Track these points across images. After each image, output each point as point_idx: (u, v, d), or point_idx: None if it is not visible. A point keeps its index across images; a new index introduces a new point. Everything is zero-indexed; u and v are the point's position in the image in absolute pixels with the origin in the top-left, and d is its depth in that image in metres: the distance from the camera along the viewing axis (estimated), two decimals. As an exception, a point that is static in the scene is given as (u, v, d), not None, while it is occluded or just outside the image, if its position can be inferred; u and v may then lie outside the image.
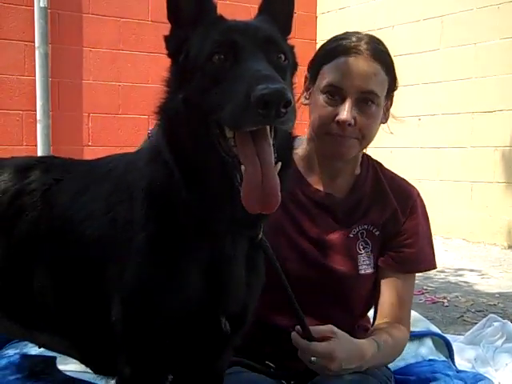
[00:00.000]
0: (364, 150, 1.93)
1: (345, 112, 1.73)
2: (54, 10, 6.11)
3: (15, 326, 1.60)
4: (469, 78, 6.22)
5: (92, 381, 2.01)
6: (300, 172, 1.90)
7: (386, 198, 1.90)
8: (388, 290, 1.90)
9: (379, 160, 1.98)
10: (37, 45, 5.91)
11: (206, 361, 1.51)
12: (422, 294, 4.13)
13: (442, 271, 4.80)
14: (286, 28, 1.46)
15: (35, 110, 6.02)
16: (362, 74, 1.74)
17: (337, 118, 1.74)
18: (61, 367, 2.12)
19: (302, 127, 1.88)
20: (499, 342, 2.81)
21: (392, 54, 1.85)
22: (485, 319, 2.97)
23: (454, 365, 2.56)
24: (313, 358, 1.63)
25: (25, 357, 2.17)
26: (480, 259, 5.41)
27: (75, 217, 1.47)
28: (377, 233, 1.89)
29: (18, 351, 2.20)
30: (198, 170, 1.32)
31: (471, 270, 4.94)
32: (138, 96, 6.59)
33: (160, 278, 1.35)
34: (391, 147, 6.86)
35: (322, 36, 7.48)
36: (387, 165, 2.00)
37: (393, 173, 1.99)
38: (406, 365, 2.40)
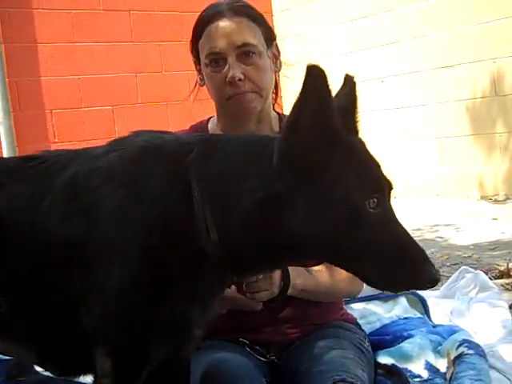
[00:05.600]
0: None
1: (231, 70, 1.81)
2: (3, 8, 6.00)
3: None
4: (425, 36, 6.23)
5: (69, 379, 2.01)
6: None
7: None
8: None
9: None
10: (-11, 46, 5.82)
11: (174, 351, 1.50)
12: (399, 254, 4.18)
13: (418, 229, 4.85)
14: None
15: (-4, 112, 5.94)
16: (231, 31, 1.82)
17: (227, 79, 1.81)
18: (38, 368, 2.11)
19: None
20: (473, 293, 2.86)
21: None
22: (457, 272, 3.02)
23: (431, 320, 2.60)
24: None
25: (0, 362, 2.15)
26: (454, 213, 5.46)
27: (24, 224, 1.41)
28: None
29: (-7, 357, 2.19)
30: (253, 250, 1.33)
31: (446, 225, 5.00)
32: (99, 87, 6.53)
33: (148, 292, 1.32)
34: (357, 112, 6.89)
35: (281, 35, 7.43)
36: None
37: None
38: (381, 326, 2.44)
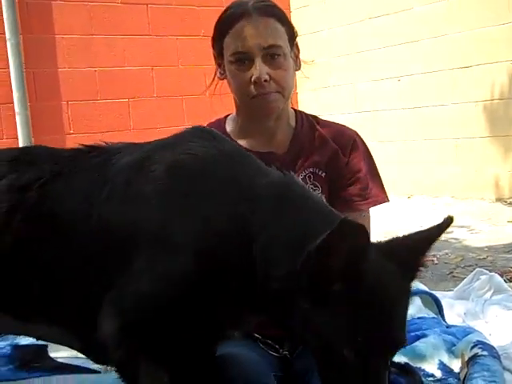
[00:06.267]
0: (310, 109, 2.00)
1: (257, 71, 1.83)
2: (22, -1, 6.04)
3: (9, 321, 1.55)
4: (444, 35, 6.20)
5: (83, 365, 2.02)
6: (239, 144, 1.91)
7: (325, 142, 1.97)
8: None
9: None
10: (7, 36, 5.82)
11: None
12: (412, 254, 4.15)
13: (432, 230, 4.80)
14: None
15: (13, 103, 5.96)
16: (259, 32, 1.84)
17: (252, 79, 1.84)
18: (52, 355, 2.14)
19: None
20: (488, 295, 2.85)
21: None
22: (472, 273, 3.00)
23: (444, 321, 2.59)
24: None
25: (16, 348, 2.18)
26: (469, 215, 5.42)
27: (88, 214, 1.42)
28: (323, 174, 1.95)
29: (8, 343, 2.21)
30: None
31: (460, 227, 4.96)
32: (116, 80, 6.54)
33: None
34: (373, 110, 6.87)
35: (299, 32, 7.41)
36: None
37: (329, 121, 2.08)
38: (395, 325, 2.43)
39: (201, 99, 6.80)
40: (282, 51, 1.86)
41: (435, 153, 6.43)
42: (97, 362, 1.57)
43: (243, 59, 1.85)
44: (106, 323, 1.37)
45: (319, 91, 7.33)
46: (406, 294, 1.32)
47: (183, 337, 1.38)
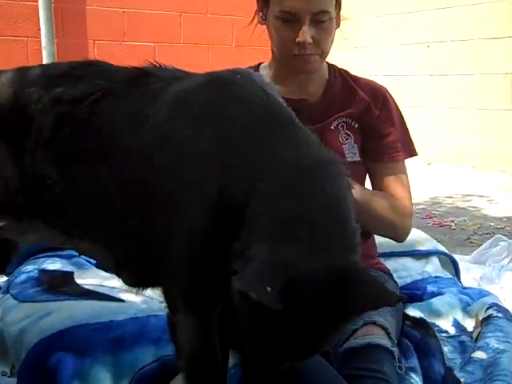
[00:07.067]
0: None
1: (303, 34, 1.83)
2: None
3: (58, 235, 1.59)
4: (480, 3, 6.10)
5: (108, 293, 2.07)
6: None
7: (358, 95, 2.00)
8: (380, 181, 1.99)
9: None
10: (39, -30, 5.80)
11: None
12: (430, 217, 4.17)
13: (450, 197, 4.84)
14: None
15: (40, 37, 5.95)
16: None
17: (296, 40, 1.84)
18: (79, 281, 2.18)
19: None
20: (505, 261, 2.88)
21: None
22: (491, 239, 3.03)
23: (460, 283, 2.62)
24: None
25: (43, 272, 2.21)
26: (488, 185, 5.42)
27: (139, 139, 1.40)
28: (356, 125, 1.99)
29: (36, 267, 2.25)
30: None
31: (480, 196, 4.96)
32: (143, 22, 6.52)
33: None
34: (398, 75, 6.82)
35: None
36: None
37: (359, 76, 2.09)
38: (412, 281, 2.46)
39: (226, 49, 6.79)
40: (329, 16, 1.85)
41: (459, 122, 6.39)
42: (128, 283, 1.57)
43: (290, 19, 1.84)
44: (169, 292, 1.41)
45: (347, 51, 7.25)
46: (330, 334, 1.25)
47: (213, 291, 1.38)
